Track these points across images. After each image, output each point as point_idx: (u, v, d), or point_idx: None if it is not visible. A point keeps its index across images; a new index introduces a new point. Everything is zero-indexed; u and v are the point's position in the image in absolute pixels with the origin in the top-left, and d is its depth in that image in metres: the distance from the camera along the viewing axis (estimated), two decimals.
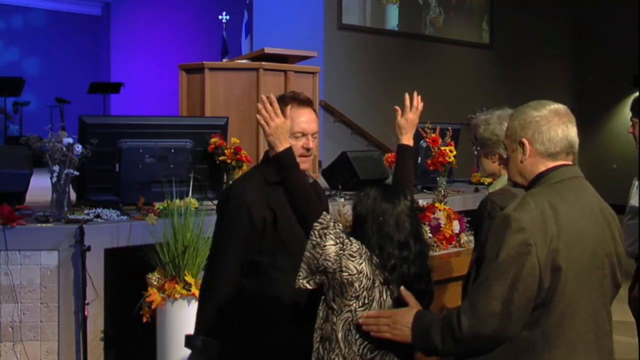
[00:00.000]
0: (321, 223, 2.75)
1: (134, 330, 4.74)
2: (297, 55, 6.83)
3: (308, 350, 2.84)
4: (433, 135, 5.87)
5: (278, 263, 3.06)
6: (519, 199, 2.54)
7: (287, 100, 3.18)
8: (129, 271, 4.75)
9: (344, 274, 2.70)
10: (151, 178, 5.13)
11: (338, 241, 2.73)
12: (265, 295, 3.07)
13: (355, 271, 2.70)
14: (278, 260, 3.07)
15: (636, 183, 5.19)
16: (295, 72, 6.54)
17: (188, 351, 4.14)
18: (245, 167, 5.42)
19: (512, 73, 14.00)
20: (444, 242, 5.29)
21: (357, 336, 2.74)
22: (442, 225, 5.32)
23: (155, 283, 4.51)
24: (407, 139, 3.39)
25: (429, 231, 5.22)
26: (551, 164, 2.58)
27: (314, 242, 2.73)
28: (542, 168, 2.59)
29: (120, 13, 15.04)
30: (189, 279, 4.35)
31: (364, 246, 2.76)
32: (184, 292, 4.36)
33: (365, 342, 2.74)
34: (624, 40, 15.52)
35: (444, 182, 6.00)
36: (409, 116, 3.38)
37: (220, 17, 11.38)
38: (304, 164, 3.15)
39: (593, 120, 14.69)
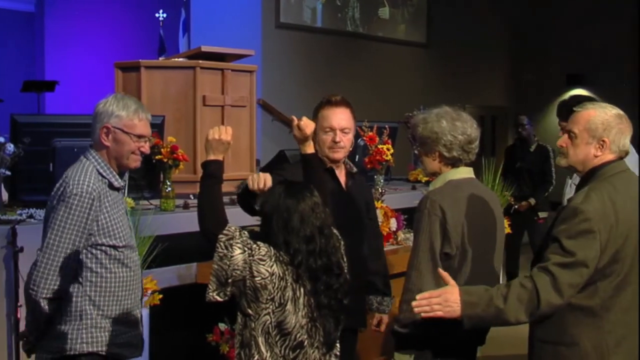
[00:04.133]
0: (226, 234, 2.79)
1: None
2: (234, 54, 6.78)
3: None
4: (370, 133, 5.89)
5: None
6: (584, 193, 2.95)
7: (322, 104, 3.93)
8: None
9: (256, 278, 2.74)
10: None
11: (245, 249, 2.77)
12: None
13: (267, 274, 2.75)
14: None
15: (569, 181, 5.29)
16: (233, 70, 6.48)
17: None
18: (182, 166, 5.38)
19: (449, 72, 14.14)
20: None
21: (278, 337, 2.78)
22: (379, 223, 5.35)
23: None
24: (308, 148, 3.44)
25: None
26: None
27: (221, 254, 2.77)
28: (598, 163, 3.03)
29: (55, 9, 14.77)
30: None
31: (271, 247, 2.79)
32: None
33: (287, 343, 2.78)
34: (558, 40, 15.81)
35: (382, 180, 6.03)
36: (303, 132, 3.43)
37: (157, 14, 11.26)
38: (336, 154, 3.87)
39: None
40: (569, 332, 2.94)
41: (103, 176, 3.26)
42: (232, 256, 2.76)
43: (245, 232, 2.85)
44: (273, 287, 2.76)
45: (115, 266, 3.27)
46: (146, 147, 3.35)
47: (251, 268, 2.74)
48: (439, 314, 2.94)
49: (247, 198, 3.36)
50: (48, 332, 3.25)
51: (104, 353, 3.26)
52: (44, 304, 3.18)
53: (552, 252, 2.93)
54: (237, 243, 2.78)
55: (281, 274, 2.77)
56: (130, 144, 3.28)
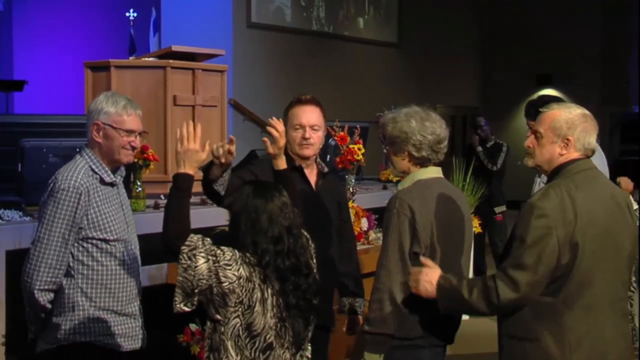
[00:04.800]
0: (188, 245, 2.77)
1: None
2: (205, 54, 6.76)
3: None
4: (341, 133, 5.91)
5: None
6: (542, 190, 3.02)
7: (292, 103, 3.97)
8: None
9: (224, 284, 2.72)
10: None
11: (209, 257, 2.75)
12: None
13: (234, 278, 2.73)
14: None
15: (537, 180, 5.34)
16: (203, 70, 6.46)
17: None
18: (152, 166, 5.36)
19: (420, 72, 14.20)
20: None
21: (247, 340, 2.77)
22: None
23: None
24: (281, 163, 3.50)
25: None
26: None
27: (185, 266, 2.75)
28: (563, 161, 3.07)
29: (23, 8, 14.63)
30: None
31: (236, 251, 2.78)
32: None
33: (257, 345, 2.77)
34: (529, 40, 15.93)
35: (353, 180, 6.04)
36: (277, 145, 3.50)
37: (127, 14, 11.21)
38: (305, 150, 3.89)
39: (499, 118, 15.02)
40: (532, 328, 2.98)
41: (95, 172, 3.36)
42: (196, 266, 2.74)
43: (209, 240, 2.82)
44: (241, 290, 2.74)
45: (107, 259, 3.36)
46: (137, 142, 3.43)
47: (217, 274, 2.72)
48: (414, 290, 3.18)
49: (208, 181, 3.45)
50: (46, 322, 3.36)
51: (97, 343, 3.34)
52: (38, 296, 3.28)
53: (513, 251, 2.99)
54: (200, 252, 2.76)
55: (248, 276, 2.76)
56: (119, 139, 3.37)
